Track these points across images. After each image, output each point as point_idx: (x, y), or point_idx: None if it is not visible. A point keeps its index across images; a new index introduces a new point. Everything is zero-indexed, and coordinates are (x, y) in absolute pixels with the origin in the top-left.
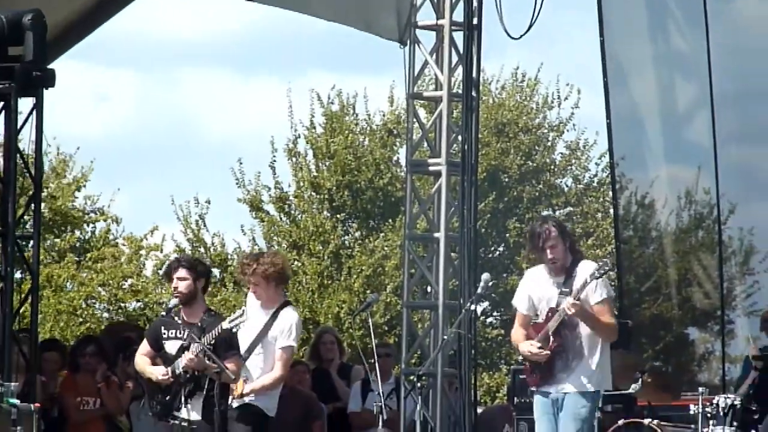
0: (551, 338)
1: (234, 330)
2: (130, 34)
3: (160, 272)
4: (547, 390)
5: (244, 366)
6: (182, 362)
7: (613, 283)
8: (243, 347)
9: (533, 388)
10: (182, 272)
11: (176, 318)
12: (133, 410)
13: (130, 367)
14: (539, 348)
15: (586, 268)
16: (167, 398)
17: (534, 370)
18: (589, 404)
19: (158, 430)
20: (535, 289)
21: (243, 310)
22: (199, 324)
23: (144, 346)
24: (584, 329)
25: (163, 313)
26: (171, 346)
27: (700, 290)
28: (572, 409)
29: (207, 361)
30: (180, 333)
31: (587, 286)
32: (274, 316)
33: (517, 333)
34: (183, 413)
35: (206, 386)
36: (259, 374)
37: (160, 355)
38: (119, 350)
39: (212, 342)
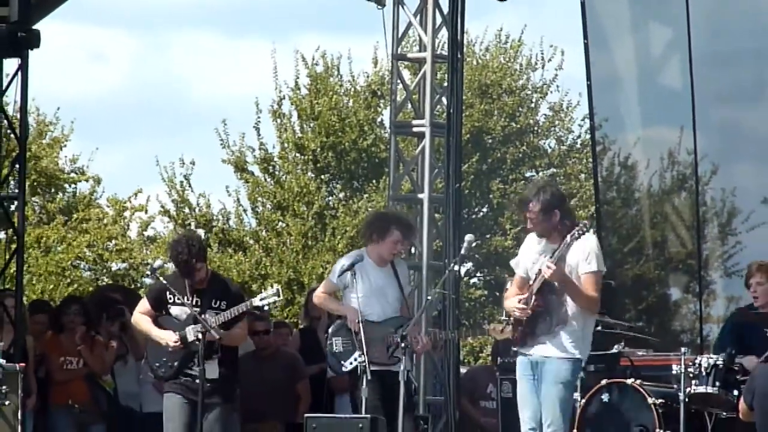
0: (533, 298)
1: (265, 308)
2: None
3: (167, 261)
4: (528, 352)
5: None
6: (194, 332)
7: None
8: None
9: (515, 348)
10: (200, 265)
11: (183, 281)
12: (117, 369)
13: (114, 327)
14: (523, 306)
15: (585, 242)
16: (175, 363)
17: (516, 328)
18: (570, 369)
19: (146, 391)
20: (530, 253)
21: (277, 289)
22: (209, 288)
23: (144, 305)
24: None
25: (148, 272)
26: (178, 311)
27: (683, 250)
28: (554, 374)
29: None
30: (188, 299)
31: (575, 252)
32: None
33: (509, 292)
34: (198, 373)
35: (217, 350)
36: None
37: (162, 317)
38: (102, 310)
39: (232, 316)
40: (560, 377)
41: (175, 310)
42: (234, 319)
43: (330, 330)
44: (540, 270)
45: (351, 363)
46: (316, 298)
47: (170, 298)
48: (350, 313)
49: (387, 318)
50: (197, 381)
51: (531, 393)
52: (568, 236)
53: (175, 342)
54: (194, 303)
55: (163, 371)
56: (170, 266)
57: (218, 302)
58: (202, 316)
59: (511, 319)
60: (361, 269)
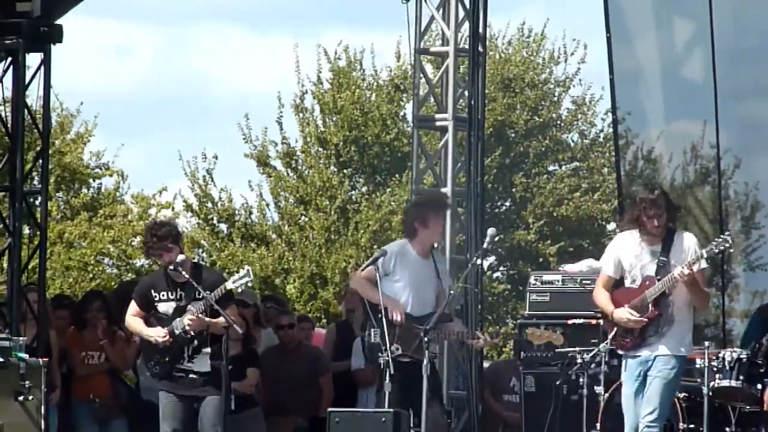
0: (650, 307)
1: (239, 290)
2: None
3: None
4: (638, 353)
5: None
6: (181, 324)
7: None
8: None
9: (622, 352)
10: (171, 244)
11: (166, 277)
12: (139, 364)
13: None
14: (637, 315)
15: (689, 239)
16: (167, 359)
17: (625, 335)
18: (678, 367)
19: (163, 384)
20: (627, 254)
21: (248, 270)
22: (191, 280)
23: (134, 308)
24: (676, 297)
25: (171, 268)
26: (164, 308)
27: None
28: (662, 369)
29: (207, 320)
30: (172, 293)
31: (679, 251)
32: None
33: (601, 295)
34: (189, 367)
35: (209, 342)
36: None
37: (152, 316)
38: (125, 305)
39: (215, 300)
40: (669, 375)
41: (161, 307)
42: (219, 303)
43: (368, 319)
44: (649, 277)
45: (388, 354)
46: (354, 281)
47: (155, 296)
48: (392, 304)
49: (425, 314)
50: (191, 376)
51: (637, 396)
52: (705, 251)
53: (164, 337)
54: (177, 297)
55: (157, 369)
56: (187, 261)
57: (195, 293)
58: (190, 308)
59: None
60: (404, 259)
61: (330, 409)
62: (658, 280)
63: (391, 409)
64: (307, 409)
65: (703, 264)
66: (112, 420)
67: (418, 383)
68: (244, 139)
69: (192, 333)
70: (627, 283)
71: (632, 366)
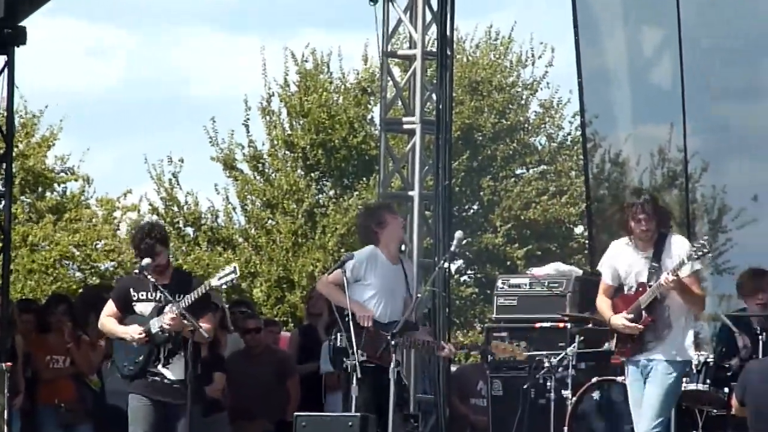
0: (643, 313)
1: (222, 287)
2: None
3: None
4: (638, 358)
5: None
6: (159, 322)
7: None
8: None
9: (623, 359)
10: (160, 247)
11: (147, 279)
12: (105, 368)
13: None
14: (632, 322)
15: (678, 243)
16: (140, 358)
17: (625, 342)
18: (676, 373)
19: (134, 388)
20: (622, 261)
21: (234, 267)
22: (172, 282)
23: (110, 308)
24: (672, 301)
25: (136, 271)
26: (142, 308)
27: None
28: (661, 376)
29: (184, 321)
30: (152, 294)
31: (670, 256)
32: None
33: (603, 303)
34: (165, 372)
35: (183, 346)
36: None
37: (129, 317)
38: (90, 309)
39: (191, 301)
40: (667, 381)
41: (139, 307)
42: (197, 309)
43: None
44: (641, 283)
45: (352, 360)
46: (321, 284)
47: (135, 296)
48: (360, 310)
49: (393, 320)
50: (165, 381)
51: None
52: (686, 256)
53: (140, 334)
54: (157, 298)
55: (130, 369)
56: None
57: (181, 296)
58: (167, 307)
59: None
60: (375, 265)
61: (296, 413)
62: (649, 286)
63: (359, 413)
64: (274, 413)
65: (695, 267)
66: (77, 425)
67: (382, 389)
68: (210, 142)
69: (169, 333)
70: (626, 290)
71: (634, 372)
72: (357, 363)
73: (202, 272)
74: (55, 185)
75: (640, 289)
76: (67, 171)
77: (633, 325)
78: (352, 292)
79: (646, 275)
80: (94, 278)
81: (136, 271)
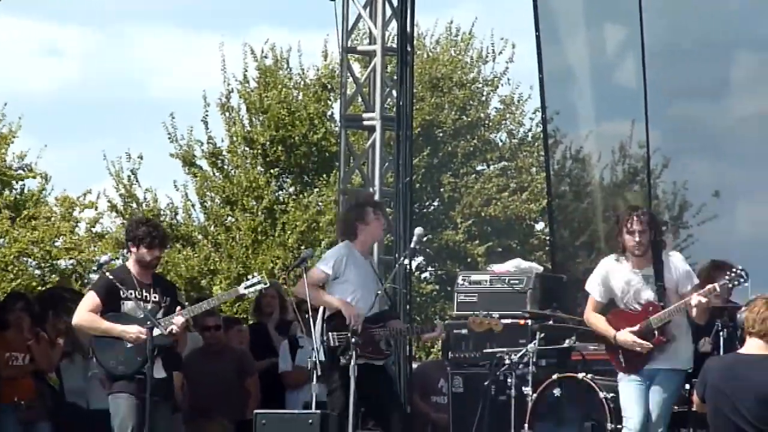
0: (656, 332)
1: (249, 296)
2: None
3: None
4: (642, 368)
5: None
6: (169, 324)
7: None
8: None
9: (623, 373)
10: (158, 251)
11: (131, 277)
12: (63, 366)
13: (60, 324)
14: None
15: (678, 261)
16: (138, 359)
17: (626, 358)
18: (679, 382)
19: (93, 388)
20: (617, 279)
21: (263, 276)
22: (154, 283)
23: (93, 302)
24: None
25: (95, 268)
26: (131, 306)
27: None
28: (665, 384)
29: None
30: (142, 294)
31: (687, 277)
32: None
33: (598, 320)
34: (151, 372)
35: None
36: None
37: (116, 314)
38: (48, 307)
39: (205, 308)
40: (669, 389)
41: (128, 305)
42: (173, 308)
43: (322, 324)
44: (651, 303)
45: (348, 357)
46: (300, 287)
47: (123, 293)
48: (346, 308)
49: (372, 314)
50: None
51: (639, 398)
52: (719, 284)
53: (142, 335)
54: (145, 298)
55: (123, 369)
56: (117, 262)
57: (165, 298)
58: (162, 316)
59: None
60: (351, 260)
61: (256, 411)
62: (662, 306)
63: (318, 411)
64: (234, 412)
65: (695, 280)
66: (36, 423)
67: (374, 387)
68: (169, 138)
69: (173, 336)
70: (623, 306)
71: (635, 376)
72: (317, 360)
73: (162, 269)
74: (13, 183)
75: (650, 308)
76: (24, 168)
77: (645, 344)
78: (332, 291)
79: (652, 295)
80: (53, 276)
81: (95, 268)
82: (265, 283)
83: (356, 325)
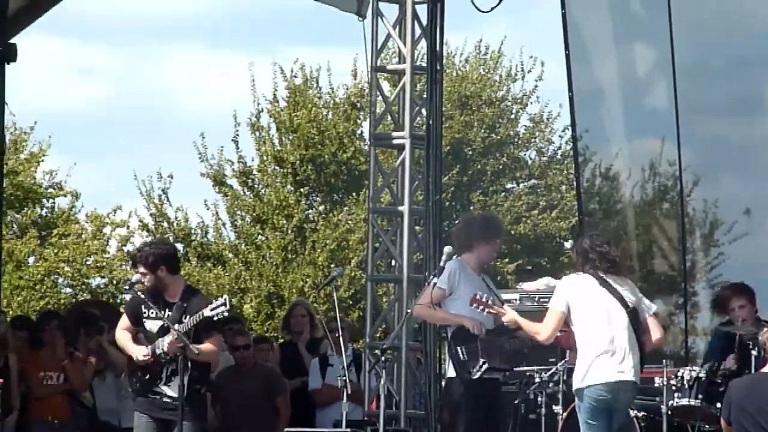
0: None
1: (215, 318)
2: (104, 9)
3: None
4: None
5: None
6: (162, 345)
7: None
8: None
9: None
10: (141, 269)
11: (156, 296)
12: (95, 384)
13: (92, 343)
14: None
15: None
16: (147, 377)
17: None
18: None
19: (124, 407)
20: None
21: (225, 299)
22: (180, 303)
23: (124, 321)
24: None
25: (126, 287)
26: (151, 325)
27: (665, 262)
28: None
29: (181, 344)
30: (160, 312)
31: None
32: None
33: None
34: (165, 390)
35: (187, 366)
36: None
37: (140, 332)
38: (80, 326)
39: (192, 326)
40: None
41: (148, 324)
42: (202, 331)
43: (450, 339)
44: None
45: (478, 369)
46: (419, 311)
47: (145, 313)
48: (468, 320)
49: (496, 326)
50: (164, 399)
51: None
52: None
53: (145, 356)
54: (166, 316)
55: (137, 386)
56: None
57: (187, 317)
58: (171, 330)
59: None
60: (465, 275)
61: (287, 429)
62: None
63: (348, 429)
64: (264, 430)
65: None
66: None
67: (496, 403)
68: (200, 158)
69: (170, 355)
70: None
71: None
72: (347, 378)
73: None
74: (44, 201)
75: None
76: (54, 186)
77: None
78: (446, 308)
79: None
80: (84, 294)
81: (126, 287)
82: (227, 307)
83: (481, 333)
